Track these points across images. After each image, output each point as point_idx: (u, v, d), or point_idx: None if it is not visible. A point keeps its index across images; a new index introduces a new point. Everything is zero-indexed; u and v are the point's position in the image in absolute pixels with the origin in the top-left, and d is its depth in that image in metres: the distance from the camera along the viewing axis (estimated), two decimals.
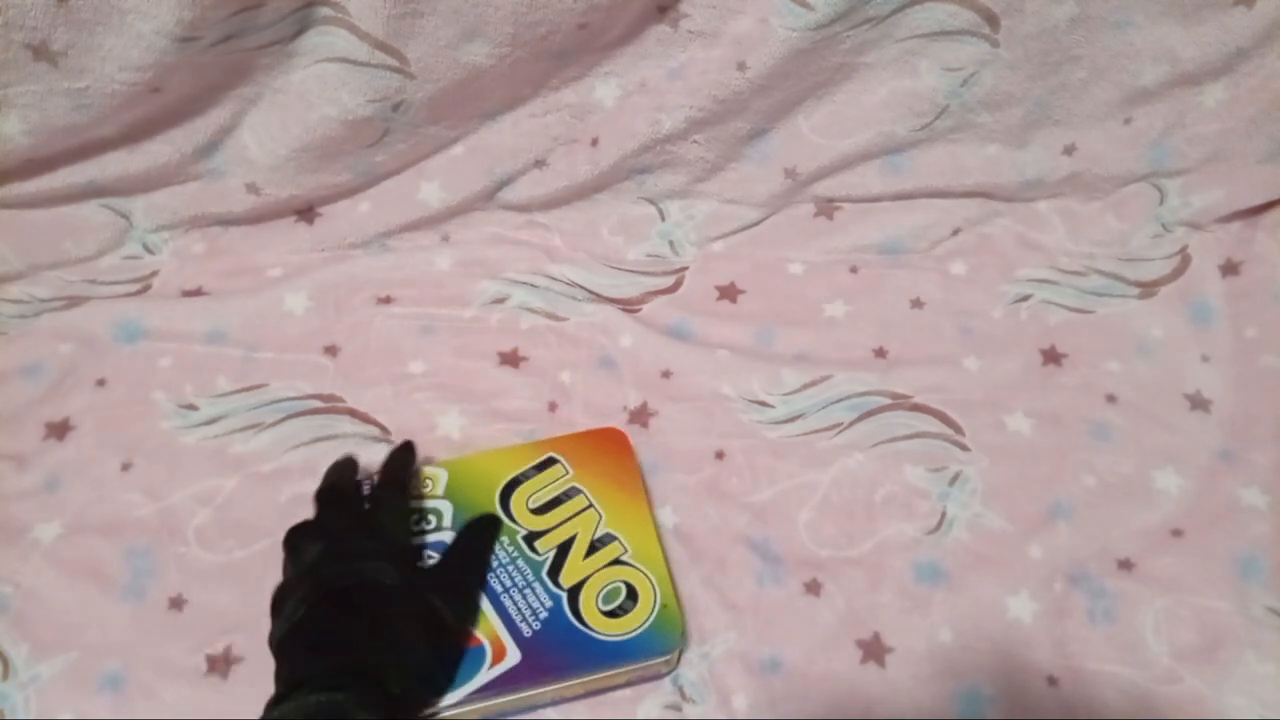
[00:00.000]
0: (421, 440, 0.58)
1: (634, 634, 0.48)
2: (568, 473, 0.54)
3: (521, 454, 0.55)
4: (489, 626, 0.48)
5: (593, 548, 0.51)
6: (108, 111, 0.55)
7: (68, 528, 0.54)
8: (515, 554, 0.50)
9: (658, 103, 0.62)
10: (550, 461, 0.54)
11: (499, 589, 0.49)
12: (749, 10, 0.58)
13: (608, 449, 0.55)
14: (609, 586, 0.50)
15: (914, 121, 0.64)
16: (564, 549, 0.51)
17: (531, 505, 0.52)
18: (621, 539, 0.51)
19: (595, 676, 0.49)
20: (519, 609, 0.49)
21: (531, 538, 0.51)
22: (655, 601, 0.49)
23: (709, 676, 0.50)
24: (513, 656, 0.47)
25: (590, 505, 0.52)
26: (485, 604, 0.49)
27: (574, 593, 0.49)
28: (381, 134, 0.61)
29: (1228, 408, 0.60)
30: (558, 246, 0.67)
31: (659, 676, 0.51)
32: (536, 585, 0.49)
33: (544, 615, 0.48)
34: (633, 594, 0.50)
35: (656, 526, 0.53)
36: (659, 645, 0.49)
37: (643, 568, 0.51)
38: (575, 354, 0.62)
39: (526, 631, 0.48)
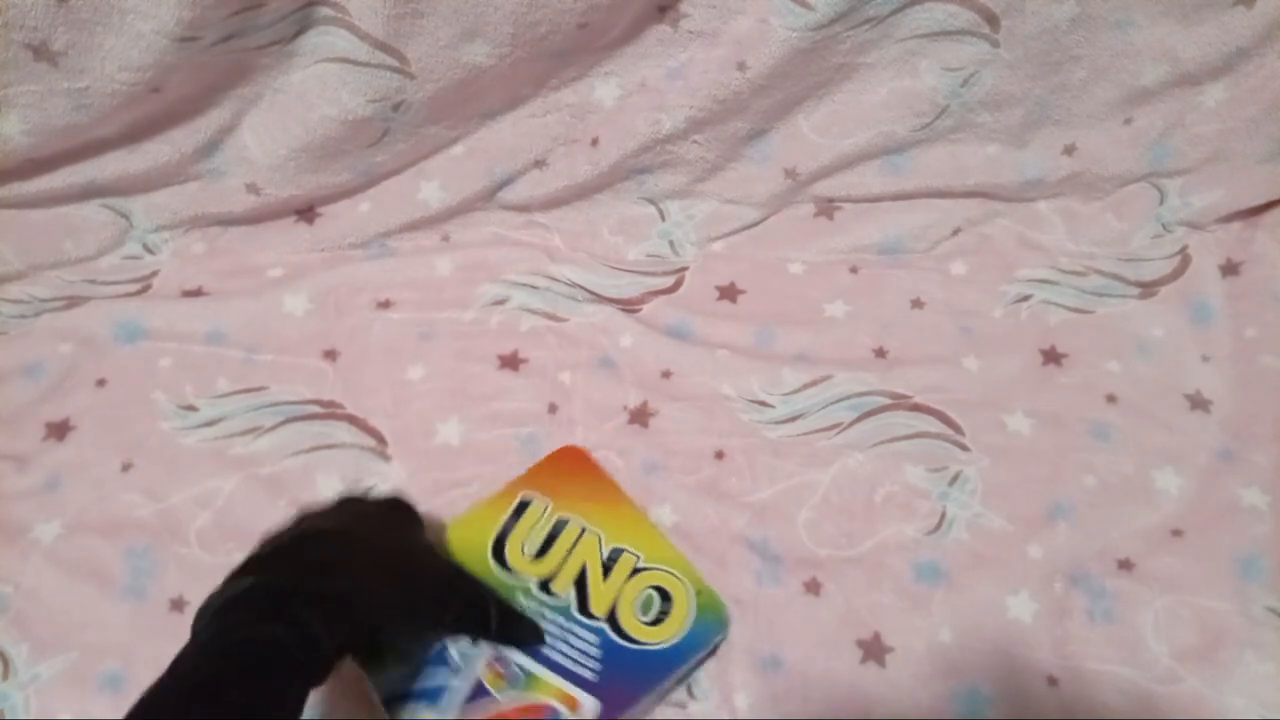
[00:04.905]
0: (420, 448, 0.58)
1: (686, 631, 0.49)
2: (547, 507, 0.53)
3: (494, 507, 0.53)
4: (550, 686, 0.46)
5: (607, 568, 0.50)
6: (108, 111, 0.55)
7: (68, 528, 0.54)
8: (539, 606, 0.49)
9: (658, 103, 0.62)
10: (525, 504, 0.53)
11: (543, 646, 0.48)
12: (749, 10, 0.58)
13: (573, 470, 0.55)
14: (641, 597, 0.50)
15: (914, 121, 0.64)
16: (581, 581, 0.50)
17: (528, 553, 0.51)
18: (629, 549, 0.51)
19: (671, 684, 0.49)
20: (570, 657, 0.47)
21: (545, 584, 0.50)
22: (689, 593, 0.50)
23: (712, 674, 0.50)
24: (587, 705, 0.46)
25: (584, 529, 0.52)
26: (536, 665, 0.47)
27: (612, 618, 0.49)
28: (381, 134, 0.61)
29: (1228, 408, 0.60)
30: (558, 247, 0.67)
31: (715, 651, 0.51)
32: (575, 627, 0.48)
33: (596, 653, 0.48)
34: (665, 595, 0.50)
35: (655, 524, 0.53)
36: (712, 629, 0.49)
37: (662, 567, 0.51)
38: (575, 354, 0.62)
39: (589, 675, 0.47)
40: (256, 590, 0.37)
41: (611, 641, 0.48)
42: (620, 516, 0.53)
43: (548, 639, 0.48)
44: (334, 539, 0.42)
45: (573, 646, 0.48)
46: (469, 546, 0.51)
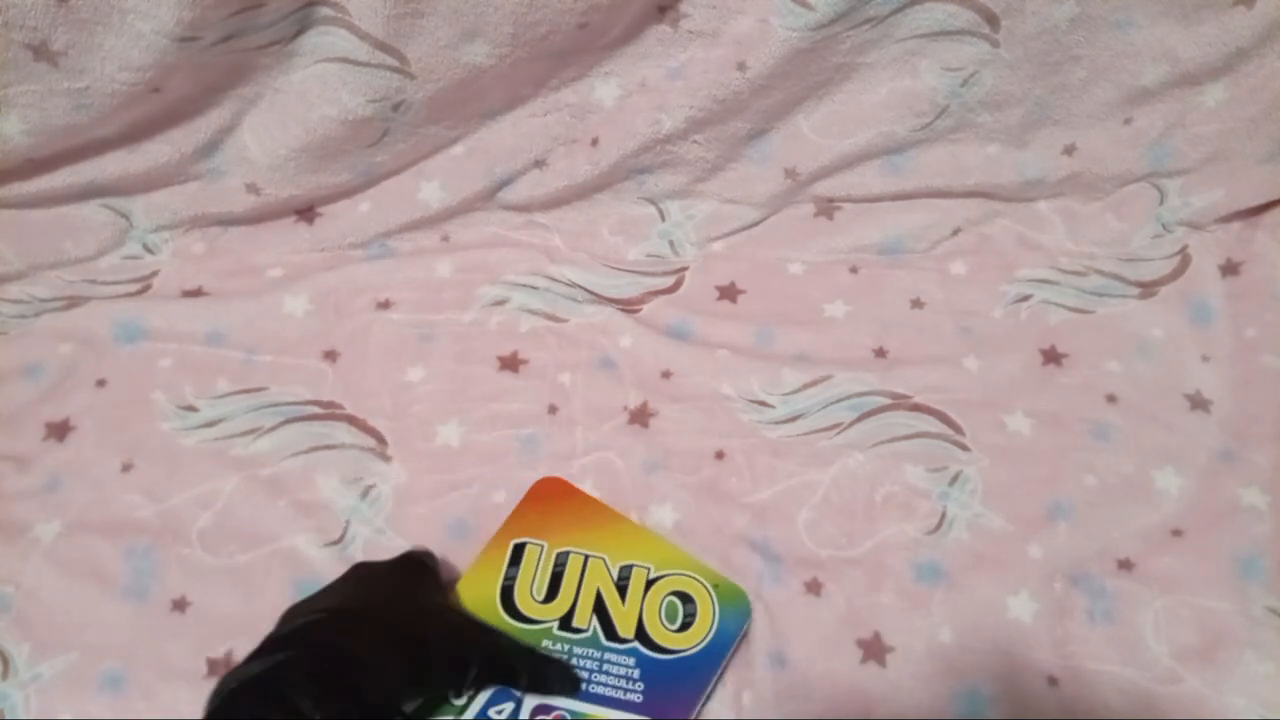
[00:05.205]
0: (421, 449, 0.58)
1: (715, 627, 0.49)
2: (543, 548, 0.52)
3: (491, 561, 0.51)
4: None
5: (621, 588, 0.50)
6: (108, 111, 0.55)
7: (68, 528, 0.54)
8: (566, 647, 0.48)
9: (658, 103, 0.62)
10: (520, 549, 0.52)
11: (583, 685, 0.47)
12: (749, 10, 0.58)
13: (556, 501, 0.54)
14: (664, 607, 0.50)
15: (914, 121, 0.64)
16: (600, 609, 0.50)
17: (538, 597, 0.50)
18: (638, 562, 0.51)
19: (714, 683, 0.49)
20: (612, 686, 0.47)
21: (564, 623, 0.49)
22: (708, 590, 0.50)
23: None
24: None
25: (587, 557, 0.51)
26: (582, 704, 0.47)
27: (641, 635, 0.49)
28: (381, 134, 0.61)
29: (1228, 408, 0.60)
30: (558, 247, 0.67)
31: (745, 637, 0.51)
32: (608, 654, 0.48)
33: (636, 674, 0.47)
34: (686, 599, 0.50)
35: (654, 530, 0.53)
36: (739, 618, 0.50)
37: (675, 571, 0.51)
38: (575, 355, 0.62)
39: (636, 699, 0.47)
40: (261, 677, 0.38)
41: (648, 658, 0.48)
42: (618, 534, 0.52)
43: (586, 674, 0.47)
44: (346, 616, 0.42)
45: (612, 675, 0.47)
46: (476, 607, 0.49)
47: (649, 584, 0.50)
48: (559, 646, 0.48)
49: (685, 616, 0.49)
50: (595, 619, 0.49)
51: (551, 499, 0.54)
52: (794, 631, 0.52)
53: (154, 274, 0.65)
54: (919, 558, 0.54)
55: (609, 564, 0.51)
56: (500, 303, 0.64)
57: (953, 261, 0.67)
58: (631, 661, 0.48)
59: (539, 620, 0.49)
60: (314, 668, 0.39)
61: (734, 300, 0.66)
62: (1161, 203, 0.67)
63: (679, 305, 0.65)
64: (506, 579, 0.50)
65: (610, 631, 0.49)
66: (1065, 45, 0.60)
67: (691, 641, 0.49)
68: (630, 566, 0.51)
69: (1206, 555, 0.54)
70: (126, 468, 0.56)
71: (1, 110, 0.54)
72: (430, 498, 0.56)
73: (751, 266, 0.67)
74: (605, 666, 0.48)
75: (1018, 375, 0.62)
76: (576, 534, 0.52)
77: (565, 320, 0.64)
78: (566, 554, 0.51)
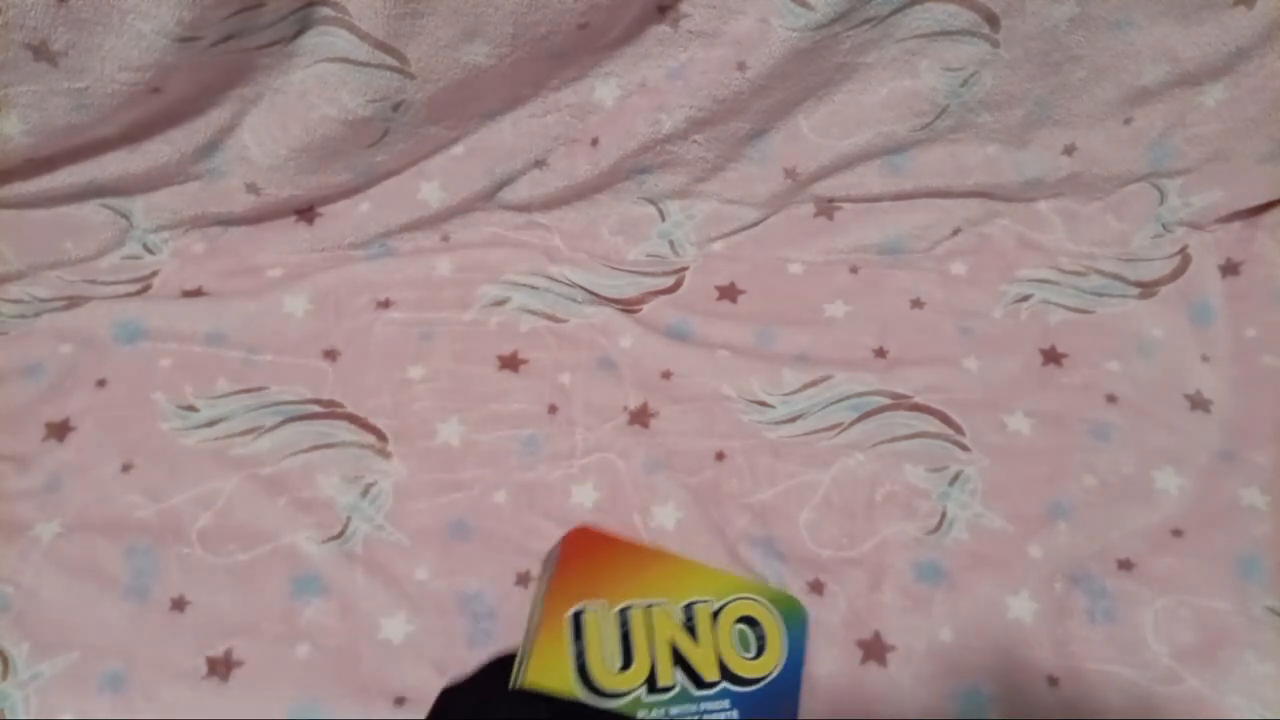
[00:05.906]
0: (421, 449, 0.58)
1: (787, 643, 0.49)
2: (600, 608, 0.48)
3: (554, 637, 0.47)
4: None
5: (691, 630, 0.49)
6: (108, 111, 0.55)
7: (68, 528, 0.54)
8: (662, 707, 0.46)
9: (658, 103, 0.62)
10: (579, 616, 0.48)
11: None
12: (749, 10, 0.58)
13: (596, 554, 0.51)
14: (735, 638, 0.49)
15: (914, 121, 0.64)
16: (679, 659, 0.48)
17: (614, 665, 0.47)
18: (697, 599, 0.50)
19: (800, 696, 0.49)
20: None
21: (650, 685, 0.47)
22: (769, 609, 0.50)
23: None
24: None
25: (649, 606, 0.49)
26: None
27: (726, 674, 0.48)
28: (381, 134, 0.61)
29: (1228, 408, 0.60)
30: (558, 247, 0.67)
31: None
32: (703, 704, 0.47)
33: (735, 714, 0.47)
34: (753, 623, 0.49)
35: (693, 560, 0.52)
36: (801, 629, 0.50)
37: (735, 596, 0.50)
38: (575, 355, 0.62)
39: None
40: None
41: (739, 695, 0.47)
42: (668, 573, 0.51)
43: None
44: None
45: None
46: (557, 684, 0.46)
47: (714, 616, 0.49)
48: (655, 713, 0.46)
49: (757, 640, 0.49)
50: (679, 671, 0.47)
51: (589, 553, 0.51)
52: None
53: (154, 274, 0.65)
54: (919, 557, 0.54)
55: (670, 607, 0.49)
56: (500, 303, 0.64)
57: (953, 261, 0.67)
58: (727, 704, 0.47)
59: (624, 691, 0.46)
60: None
61: (734, 300, 0.66)
62: (1161, 203, 0.67)
63: (679, 305, 0.65)
64: (577, 655, 0.47)
65: (696, 679, 0.47)
66: (1065, 45, 0.60)
67: (770, 666, 0.48)
68: (692, 604, 0.49)
69: (1206, 555, 0.54)
70: (126, 468, 0.56)
71: (1, 110, 0.54)
72: (431, 495, 0.56)
73: (751, 266, 0.67)
74: (704, 717, 0.47)
75: (1018, 375, 0.62)
76: (627, 584, 0.50)
77: (565, 320, 0.64)
78: (627, 609, 0.48)
